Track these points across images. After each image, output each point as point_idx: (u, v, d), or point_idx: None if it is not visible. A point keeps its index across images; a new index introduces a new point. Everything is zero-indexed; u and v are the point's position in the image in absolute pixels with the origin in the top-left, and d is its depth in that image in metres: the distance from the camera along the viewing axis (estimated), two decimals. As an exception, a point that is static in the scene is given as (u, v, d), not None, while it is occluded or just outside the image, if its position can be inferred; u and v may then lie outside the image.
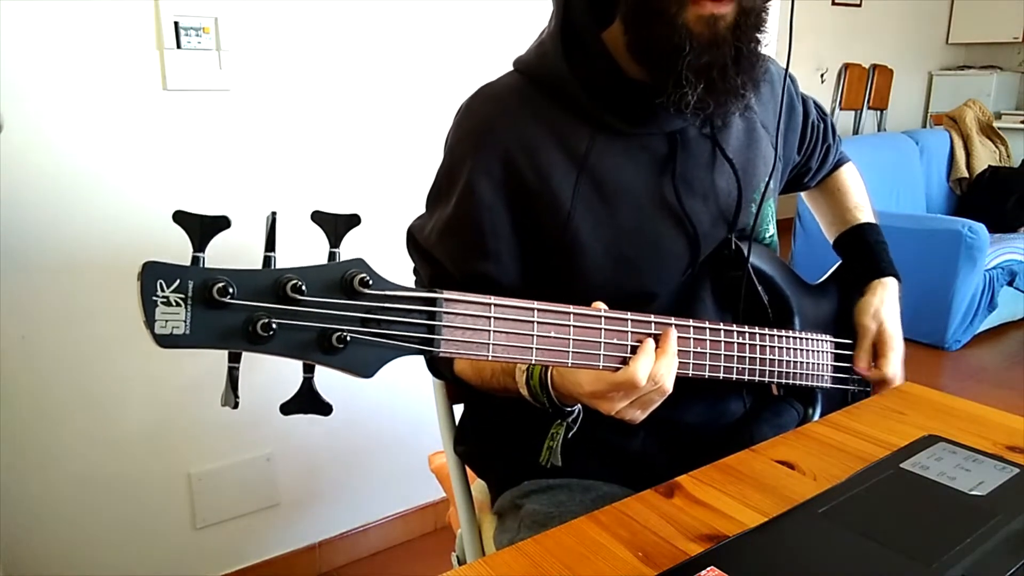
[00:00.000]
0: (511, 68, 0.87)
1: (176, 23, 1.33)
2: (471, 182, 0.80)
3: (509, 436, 0.91)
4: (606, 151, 0.81)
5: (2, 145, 1.23)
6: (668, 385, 0.69)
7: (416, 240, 0.87)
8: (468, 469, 1.02)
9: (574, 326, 0.65)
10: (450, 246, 0.82)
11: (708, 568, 0.52)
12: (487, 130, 0.81)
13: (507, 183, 0.80)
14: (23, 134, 1.25)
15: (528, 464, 0.88)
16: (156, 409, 1.47)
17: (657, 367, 0.68)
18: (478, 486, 1.04)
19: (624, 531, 0.63)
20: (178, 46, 1.34)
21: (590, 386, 0.68)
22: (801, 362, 0.89)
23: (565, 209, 0.80)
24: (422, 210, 0.90)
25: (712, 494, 0.69)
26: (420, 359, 0.93)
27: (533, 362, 0.64)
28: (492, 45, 1.68)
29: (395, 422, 1.77)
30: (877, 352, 0.97)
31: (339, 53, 1.52)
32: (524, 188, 0.80)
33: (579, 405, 0.75)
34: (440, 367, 0.90)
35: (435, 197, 0.86)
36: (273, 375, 1.56)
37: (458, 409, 1.02)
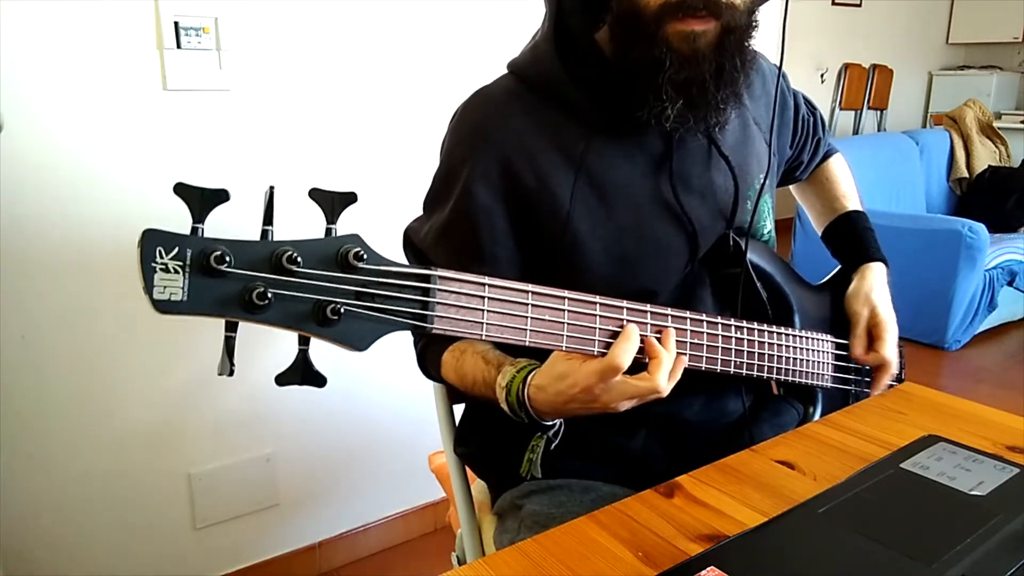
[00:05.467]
0: (505, 71, 0.87)
1: (176, 23, 1.33)
2: (469, 185, 0.80)
3: (509, 437, 0.91)
4: (603, 151, 0.81)
5: (2, 145, 1.23)
6: (663, 390, 0.69)
7: (412, 242, 0.87)
8: (468, 469, 1.01)
9: (569, 311, 0.65)
10: (447, 249, 0.82)
11: (708, 568, 0.52)
12: (484, 133, 0.81)
13: (505, 186, 0.80)
14: (23, 134, 1.25)
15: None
16: (156, 409, 1.47)
17: (652, 381, 0.68)
18: (478, 486, 1.04)
19: (624, 531, 0.63)
20: (178, 46, 1.34)
21: (588, 379, 0.67)
22: (800, 359, 0.89)
23: (564, 210, 0.80)
24: (419, 211, 0.90)
25: (712, 494, 0.69)
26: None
27: (528, 343, 0.64)
28: (489, 46, 1.68)
29: (395, 422, 1.77)
30: (873, 336, 0.97)
31: (339, 53, 1.52)
32: (522, 190, 0.80)
33: (559, 420, 0.74)
34: (428, 367, 0.90)
35: (432, 200, 0.86)
36: (273, 375, 1.57)
37: (458, 409, 1.02)
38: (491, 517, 0.98)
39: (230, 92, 1.42)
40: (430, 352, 0.88)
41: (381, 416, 1.75)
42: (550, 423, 0.74)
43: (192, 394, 1.50)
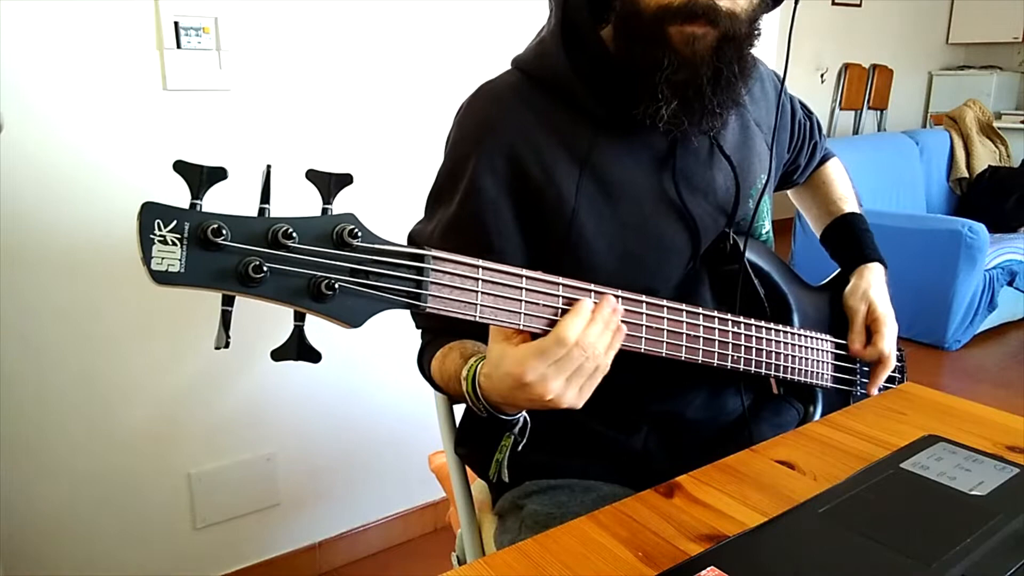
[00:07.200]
0: (510, 67, 0.87)
1: (176, 23, 1.33)
2: (475, 180, 0.80)
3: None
4: (607, 148, 0.81)
5: (2, 145, 1.23)
6: (602, 353, 0.63)
7: (417, 245, 0.86)
8: (468, 469, 1.01)
9: (563, 296, 0.65)
10: (454, 245, 0.81)
11: (708, 568, 0.52)
12: (490, 128, 0.81)
13: (512, 180, 0.80)
14: (23, 134, 1.25)
15: (529, 465, 0.88)
16: (156, 408, 1.47)
17: (588, 332, 0.62)
18: (478, 486, 1.04)
19: (624, 531, 0.63)
20: (178, 46, 1.34)
21: (520, 366, 0.61)
22: (798, 357, 0.89)
23: (569, 206, 0.80)
24: (419, 208, 0.89)
25: (712, 494, 0.69)
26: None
27: (521, 327, 0.63)
28: (491, 44, 1.68)
29: (395, 422, 1.77)
30: (871, 330, 0.98)
31: (339, 53, 1.52)
32: (529, 185, 0.80)
33: (523, 414, 0.71)
34: (423, 362, 0.89)
35: (436, 198, 0.86)
36: (274, 375, 1.57)
37: (458, 409, 1.02)
38: (491, 517, 0.98)
39: (230, 92, 1.42)
40: (427, 352, 0.87)
41: (381, 416, 1.75)
42: (511, 417, 0.70)
43: (192, 394, 1.50)
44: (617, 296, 0.69)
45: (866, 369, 1.00)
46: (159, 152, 1.37)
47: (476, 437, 0.97)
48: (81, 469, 1.41)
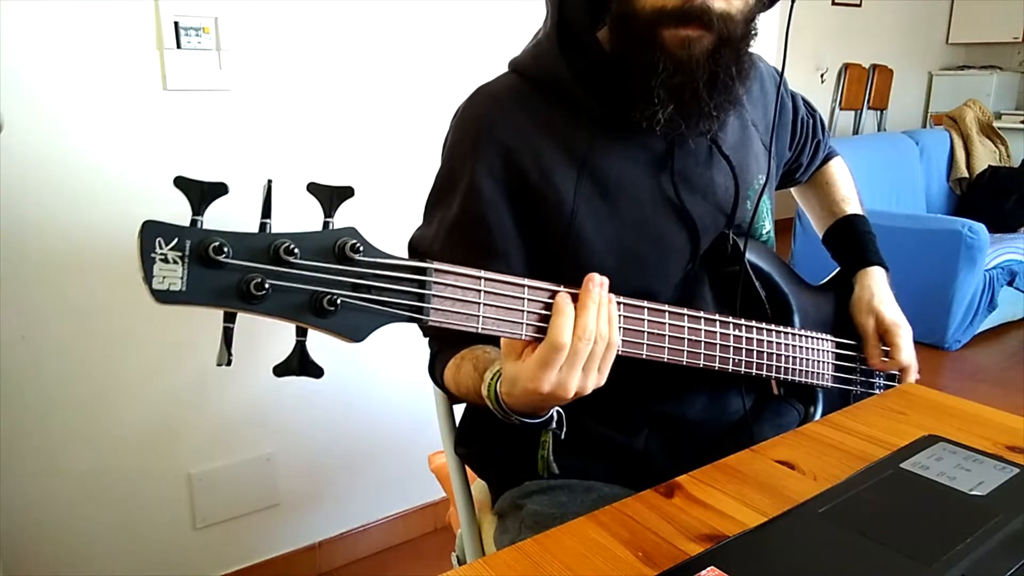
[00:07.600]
0: (507, 69, 0.87)
1: (176, 23, 1.33)
2: (475, 181, 0.80)
3: (510, 437, 0.91)
4: (606, 149, 0.81)
5: (2, 145, 1.23)
6: (605, 331, 0.64)
7: (419, 252, 0.86)
8: (468, 469, 1.01)
9: None
10: (457, 249, 0.81)
11: (708, 568, 0.52)
12: (487, 129, 0.81)
13: (510, 181, 0.80)
14: (24, 134, 1.25)
15: (529, 464, 0.88)
16: (156, 409, 1.47)
17: (581, 324, 0.62)
18: (478, 486, 1.04)
19: (624, 531, 0.63)
20: (178, 46, 1.34)
21: (532, 381, 0.62)
22: (799, 359, 0.89)
23: (568, 207, 0.80)
24: (418, 209, 0.89)
25: (712, 494, 0.69)
26: (424, 364, 0.94)
27: (523, 337, 0.63)
28: (490, 45, 1.68)
29: (395, 422, 1.77)
30: (886, 343, 0.97)
31: (339, 53, 1.52)
32: (527, 186, 0.80)
33: (554, 410, 0.71)
34: (435, 372, 0.89)
35: (435, 202, 0.85)
36: (274, 376, 1.57)
37: (458, 409, 1.02)
38: (491, 517, 0.98)
39: (230, 92, 1.42)
40: (439, 361, 0.87)
41: (381, 416, 1.75)
42: (542, 418, 0.71)
43: (192, 394, 1.50)
44: (616, 302, 0.68)
45: (869, 369, 1.00)
46: (159, 152, 1.37)
47: (476, 437, 0.97)
48: (81, 469, 1.41)
